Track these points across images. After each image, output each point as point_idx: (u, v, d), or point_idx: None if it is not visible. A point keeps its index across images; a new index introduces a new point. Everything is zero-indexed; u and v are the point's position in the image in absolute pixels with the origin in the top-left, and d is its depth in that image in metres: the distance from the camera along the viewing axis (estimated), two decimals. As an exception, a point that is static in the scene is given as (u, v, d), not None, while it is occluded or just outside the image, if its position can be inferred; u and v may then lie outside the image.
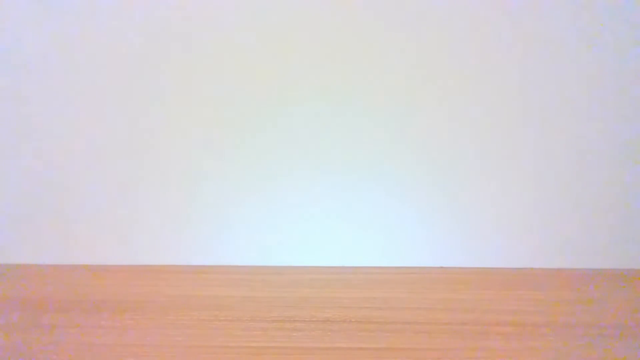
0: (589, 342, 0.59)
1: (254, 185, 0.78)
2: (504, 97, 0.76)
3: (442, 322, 0.63)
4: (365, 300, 0.69)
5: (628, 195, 0.77)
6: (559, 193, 0.77)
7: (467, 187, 0.77)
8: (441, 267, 0.78)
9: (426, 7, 0.74)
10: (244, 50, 0.76)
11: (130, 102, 0.77)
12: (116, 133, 0.78)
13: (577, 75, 0.75)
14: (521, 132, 0.76)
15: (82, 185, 0.78)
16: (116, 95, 0.77)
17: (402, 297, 0.70)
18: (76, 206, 0.79)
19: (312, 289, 0.72)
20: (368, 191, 0.78)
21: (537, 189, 0.77)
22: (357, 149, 0.77)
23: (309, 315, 0.65)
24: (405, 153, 0.77)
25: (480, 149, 0.77)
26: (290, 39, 0.75)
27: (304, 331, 0.61)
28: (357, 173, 0.78)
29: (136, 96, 0.77)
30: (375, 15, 0.75)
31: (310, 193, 0.78)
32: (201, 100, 0.77)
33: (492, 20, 0.74)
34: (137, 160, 0.78)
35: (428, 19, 0.75)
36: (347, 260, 0.79)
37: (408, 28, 0.75)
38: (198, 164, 0.78)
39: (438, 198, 0.78)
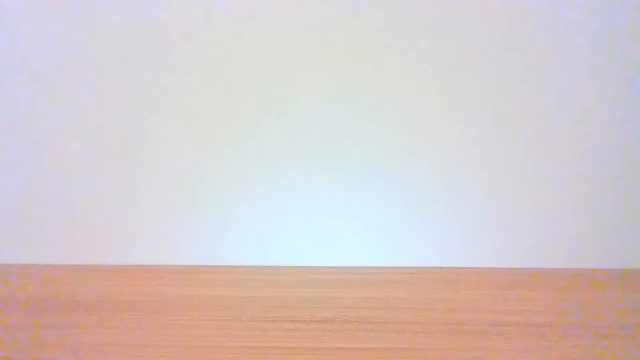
0: (589, 342, 0.59)
1: (254, 185, 0.78)
2: (505, 97, 0.76)
3: (442, 322, 0.63)
4: (365, 300, 0.69)
5: (628, 195, 0.77)
6: (559, 193, 0.77)
7: (467, 187, 0.77)
8: (441, 267, 0.78)
9: (429, 9, 0.74)
10: (246, 50, 0.76)
11: (131, 102, 0.77)
12: (116, 133, 0.78)
13: (577, 76, 0.75)
14: (521, 133, 0.76)
15: (82, 186, 0.78)
16: (117, 95, 0.77)
17: (402, 297, 0.70)
18: (76, 206, 0.79)
19: (312, 289, 0.72)
20: (368, 191, 0.78)
21: (537, 189, 0.77)
22: (357, 149, 0.77)
23: (309, 315, 0.65)
24: (406, 153, 0.77)
25: (481, 149, 0.77)
26: (292, 39, 0.75)
27: (304, 331, 0.61)
28: (358, 173, 0.78)
29: (137, 96, 0.77)
30: (379, 15, 0.75)
31: (311, 193, 0.78)
32: (202, 100, 0.77)
33: (495, 23, 0.74)
34: (137, 160, 0.78)
35: (431, 19, 0.75)
36: (347, 260, 0.79)
37: (411, 28, 0.75)
38: (198, 164, 0.78)
39: (438, 198, 0.78)
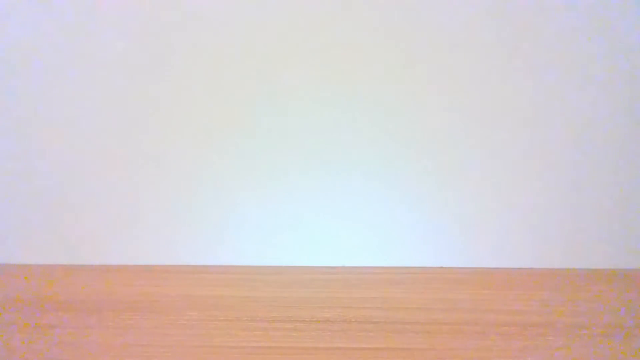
0: (589, 342, 0.59)
1: (254, 185, 0.78)
2: (504, 97, 0.76)
3: (442, 322, 0.63)
4: (365, 300, 0.69)
5: (628, 195, 0.77)
6: (558, 193, 0.77)
7: (467, 187, 0.77)
8: (441, 267, 0.78)
9: (429, 9, 0.74)
10: (243, 50, 0.76)
11: (130, 101, 0.77)
12: (116, 133, 0.78)
13: (577, 77, 0.75)
14: (521, 132, 0.76)
15: (82, 185, 0.78)
16: (116, 95, 0.77)
17: (402, 297, 0.70)
18: (76, 206, 0.79)
19: (312, 289, 0.72)
20: (368, 191, 0.78)
21: (537, 189, 0.77)
22: (357, 149, 0.77)
23: (309, 315, 0.65)
24: (405, 153, 0.77)
25: (480, 149, 0.77)
26: (291, 39, 0.75)
27: (304, 331, 0.61)
28: (357, 173, 0.78)
29: (136, 96, 0.77)
30: (375, 14, 0.75)
31: (310, 193, 0.78)
32: (201, 100, 0.77)
33: (495, 24, 0.74)
34: (137, 160, 0.78)
35: (431, 20, 0.75)
36: (347, 260, 0.79)
37: (411, 29, 0.75)
38: (198, 164, 0.78)
39: (438, 198, 0.78)
